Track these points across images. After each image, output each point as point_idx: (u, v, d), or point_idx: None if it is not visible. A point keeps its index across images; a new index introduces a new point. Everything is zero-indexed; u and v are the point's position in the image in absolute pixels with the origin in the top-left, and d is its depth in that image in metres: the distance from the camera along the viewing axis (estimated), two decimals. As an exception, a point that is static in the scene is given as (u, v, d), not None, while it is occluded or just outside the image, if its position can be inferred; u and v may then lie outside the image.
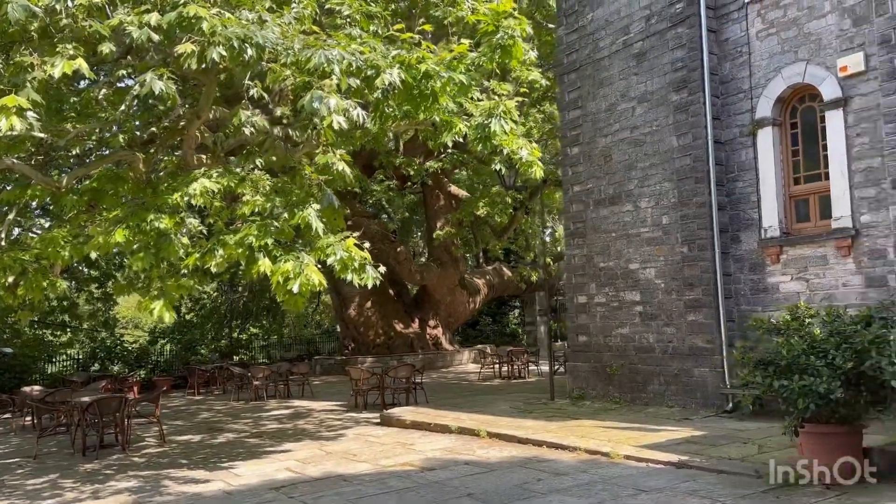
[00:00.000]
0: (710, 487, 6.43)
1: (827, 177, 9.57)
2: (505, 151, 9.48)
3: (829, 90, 9.39)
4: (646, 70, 11.61)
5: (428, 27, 8.46)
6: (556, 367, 14.17)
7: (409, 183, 24.66)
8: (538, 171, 9.33)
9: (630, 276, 11.74)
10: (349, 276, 7.78)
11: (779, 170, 10.11)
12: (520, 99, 9.88)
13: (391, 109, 8.73)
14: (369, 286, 7.88)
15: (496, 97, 9.01)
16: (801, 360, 5.75)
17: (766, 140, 10.19)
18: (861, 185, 9.07)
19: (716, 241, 10.46)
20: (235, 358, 25.85)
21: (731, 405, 10.09)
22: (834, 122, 9.36)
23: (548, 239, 23.10)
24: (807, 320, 6.30)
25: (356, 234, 8.30)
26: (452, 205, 23.99)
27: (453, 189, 24.31)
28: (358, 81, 7.85)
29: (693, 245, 10.76)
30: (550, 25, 17.82)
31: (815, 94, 9.75)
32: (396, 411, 12.15)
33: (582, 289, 12.66)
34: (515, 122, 8.88)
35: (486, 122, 8.61)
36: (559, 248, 25.69)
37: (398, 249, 23.41)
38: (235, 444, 10.86)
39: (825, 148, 9.60)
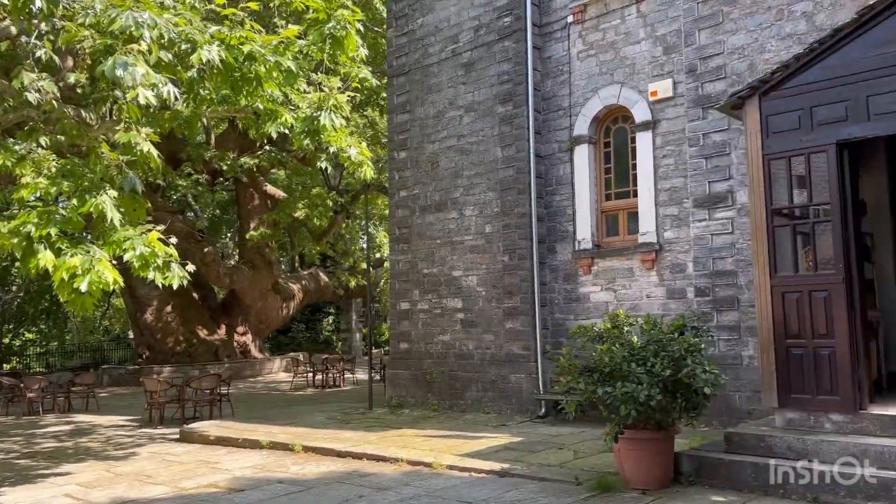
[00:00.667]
0: (533, 496, 6.40)
1: (636, 194, 10.18)
2: (332, 149, 8.98)
3: (641, 113, 10.00)
4: (474, 80, 11.70)
5: (254, 5, 7.75)
6: (373, 376, 13.82)
7: (221, 179, 23.15)
8: (368, 171, 8.94)
9: (453, 283, 11.73)
10: (151, 275, 6.84)
11: (593, 186, 10.60)
12: (351, 94, 9.46)
13: (207, 92, 7.90)
14: (175, 286, 6.99)
15: (326, 90, 8.51)
16: (624, 367, 5.89)
17: (583, 157, 10.64)
18: (665, 204, 9.73)
19: (534, 252, 10.73)
20: (6, 367, 22.57)
21: (543, 410, 10.37)
22: (643, 143, 9.98)
23: (365, 245, 22.77)
24: (626, 328, 6.50)
25: (160, 227, 7.35)
26: (268, 205, 22.85)
27: (270, 188, 23.17)
28: (170, 56, 6.98)
29: (514, 254, 10.96)
30: (377, 28, 17.59)
31: (627, 116, 10.34)
32: (199, 426, 11.10)
33: (405, 295, 12.45)
34: (347, 118, 8.45)
35: (315, 114, 8.08)
36: (379, 255, 25.49)
37: (205, 250, 21.82)
38: (3, 466, 9.24)
39: (635, 167, 10.21)
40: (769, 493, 5.73)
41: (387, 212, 23.32)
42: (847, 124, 5.96)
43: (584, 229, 10.52)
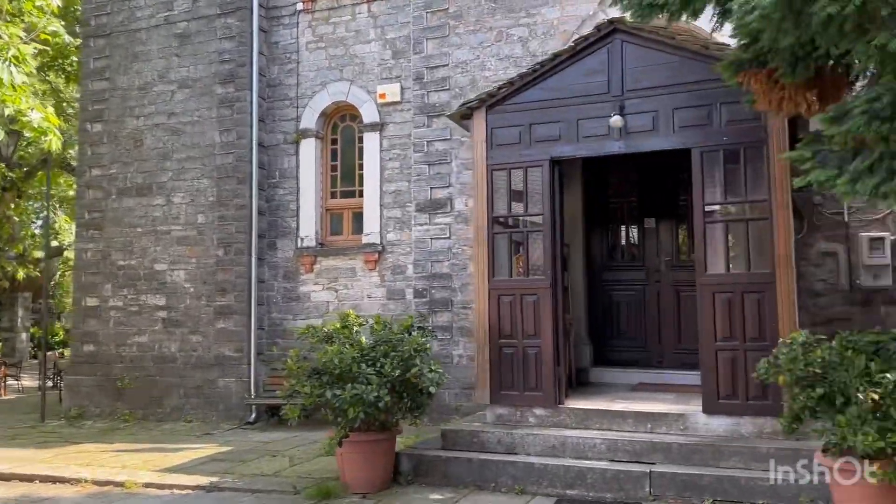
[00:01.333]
0: (248, 511, 5.91)
1: (361, 194, 10.14)
2: (8, 111, 7.46)
3: (369, 113, 9.99)
4: (190, 54, 10.66)
5: None
6: (47, 383, 11.82)
7: None
8: (54, 142, 7.58)
9: (156, 277, 10.51)
10: None
11: (318, 182, 10.32)
12: (38, 46, 7.90)
13: None
14: None
15: (4, 38, 6.99)
16: (354, 368, 5.72)
17: (309, 151, 10.31)
18: (390, 206, 9.84)
19: (253, 247, 10.10)
20: None
21: (254, 416, 9.79)
22: (371, 144, 9.98)
23: (39, 230, 19.58)
24: (355, 329, 6.34)
25: None
26: None
27: (-90, 155, 18.70)
28: None
29: (230, 248, 10.19)
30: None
31: (356, 115, 10.27)
32: None
33: (94, 289, 10.84)
34: (31, 74, 7.03)
35: (-12, 64, 6.62)
36: (57, 243, 22.08)
37: None
38: None
39: (362, 167, 10.18)
40: (483, 487, 5.99)
41: (71, 193, 20.39)
42: (560, 143, 6.53)
43: (308, 226, 10.19)
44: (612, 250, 9.06)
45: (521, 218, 6.83)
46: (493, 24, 9.24)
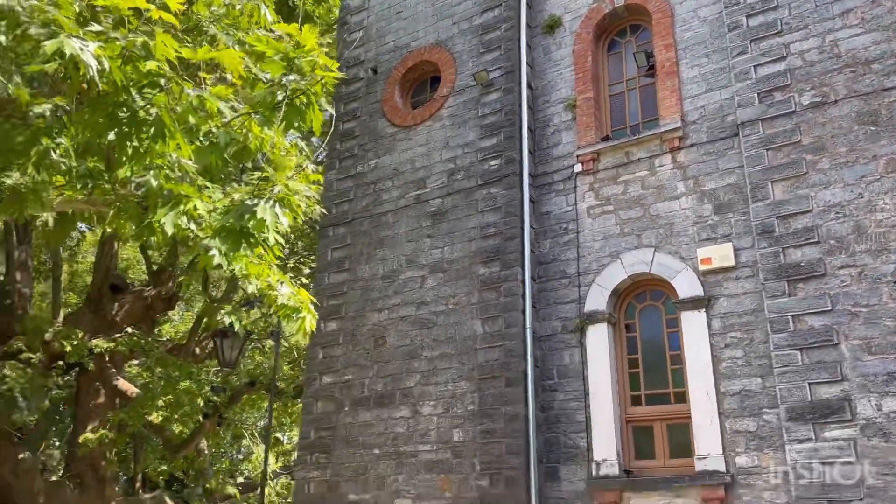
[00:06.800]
0: None
1: (681, 398, 7.16)
2: (250, 288, 5.60)
3: (686, 286, 7.35)
4: (444, 233, 8.85)
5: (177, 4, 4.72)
6: None
7: (61, 364, 18.10)
8: (309, 321, 5.54)
9: (400, 521, 7.77)
10: None
11: (614, 383, 7.52)
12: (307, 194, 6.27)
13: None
14: None
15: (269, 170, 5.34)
16: None
17: (599, 341, 7.68)
18: (735, 415, 6.72)
19: (532, 475, 7.20)
20: None
21: None
22: (692, 327, 7.19)
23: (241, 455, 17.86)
24: None
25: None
26: (116, 404, 17.73)
27: (122, 383, 18.19)
28: None
29: (498, 478, 7.34)
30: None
31: (662, 291, 7.68)
32: None
33: (318, 535, 8.24)
34: (298, 216, 5.17)
35: (250, 203, 4.83)
36: (248, 476, 20.28)
37: (20, 456, 16.10)
38: None
39: (676, 360, 7.33)
40: None
41: (262, 422, 18.91)
42: None
43: (607, 446, 7.22)
44: None
45: None
46: (876, 152, 6.61)
